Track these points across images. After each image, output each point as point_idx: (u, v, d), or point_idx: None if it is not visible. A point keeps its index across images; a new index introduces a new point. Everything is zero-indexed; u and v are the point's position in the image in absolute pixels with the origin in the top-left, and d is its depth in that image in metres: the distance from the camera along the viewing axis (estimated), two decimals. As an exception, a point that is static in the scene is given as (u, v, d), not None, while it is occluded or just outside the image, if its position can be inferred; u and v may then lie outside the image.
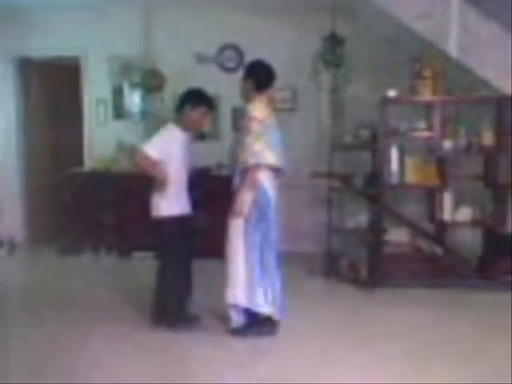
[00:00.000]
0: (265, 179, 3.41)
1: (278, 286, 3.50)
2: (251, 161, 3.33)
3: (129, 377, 2.96)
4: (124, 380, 2.91)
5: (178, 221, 3.62)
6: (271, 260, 3.49)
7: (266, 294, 3.46)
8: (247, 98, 3.56)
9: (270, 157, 3.36)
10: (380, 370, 3.04)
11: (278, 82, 5.71)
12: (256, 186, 3.38)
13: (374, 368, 3.07)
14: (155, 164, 3.47)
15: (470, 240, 4.91)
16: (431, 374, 3.01)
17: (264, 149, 3.33)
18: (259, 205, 3.41)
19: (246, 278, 3.42)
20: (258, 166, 3.34)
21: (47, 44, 5.94)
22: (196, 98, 3.64)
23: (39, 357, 3.24)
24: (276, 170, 3.47)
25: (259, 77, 3.53)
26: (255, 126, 3.36)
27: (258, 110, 3.45)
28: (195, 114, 3.62)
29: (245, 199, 3.37)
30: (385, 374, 2.99)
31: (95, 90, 6.12)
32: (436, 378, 2.96)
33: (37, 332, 3.62)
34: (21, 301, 4.36)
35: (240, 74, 5.79)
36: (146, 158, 3.47)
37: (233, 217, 3.44)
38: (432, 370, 3.05)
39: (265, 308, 3.46)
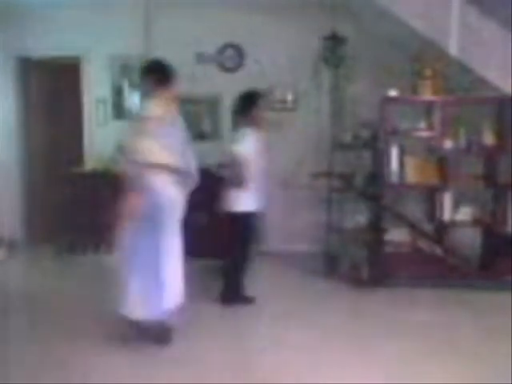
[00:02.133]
0: (158, 180, 3.25)
1: (176, 289, 3.39)
2: (140, 159, 3.17)
3: (128, 378, 2.97)
4: (123, 380, 2.92)
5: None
6: (169, 265, 3.32)
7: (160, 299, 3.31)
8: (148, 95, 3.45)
9: (162, 156, 3.22)
10: (380, 370, 3.03)
11: (279, 82, 5.86)
12: (144, 187, 3.21)
13: (373, 368, 3.07)
14: (247, 161, 3.86)
15: (470, 240, 4.90)
16: (431, 374, 3.00)
17: (152, 148, 3.19)
18: (149, 207, 3.21)
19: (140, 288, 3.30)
20: (148, 166, 3.19)
21: (47, 43, 5.92)
22: (256, 96, 4.09)
23: (39, 358, 3.23)
24: (177, 171, 3.32)
25: (158, 72, 3.44)
26: (148, 125, 3.22)
27: (154, 108, 3.32)
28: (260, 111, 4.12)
29: (134, 201, 3.18)
30: (385, 373, 2.99)
31: (95, 89, 6.11)
32: (436, 378, 2.95)
33: (36, 333, 3.62)
34: (19, 302, 4.34)
35: (242, 73, 5.95)
36: (240, 156, 3.85)
37: (124, 220, 3.23)
38: (432, 369, 3.05)
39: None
